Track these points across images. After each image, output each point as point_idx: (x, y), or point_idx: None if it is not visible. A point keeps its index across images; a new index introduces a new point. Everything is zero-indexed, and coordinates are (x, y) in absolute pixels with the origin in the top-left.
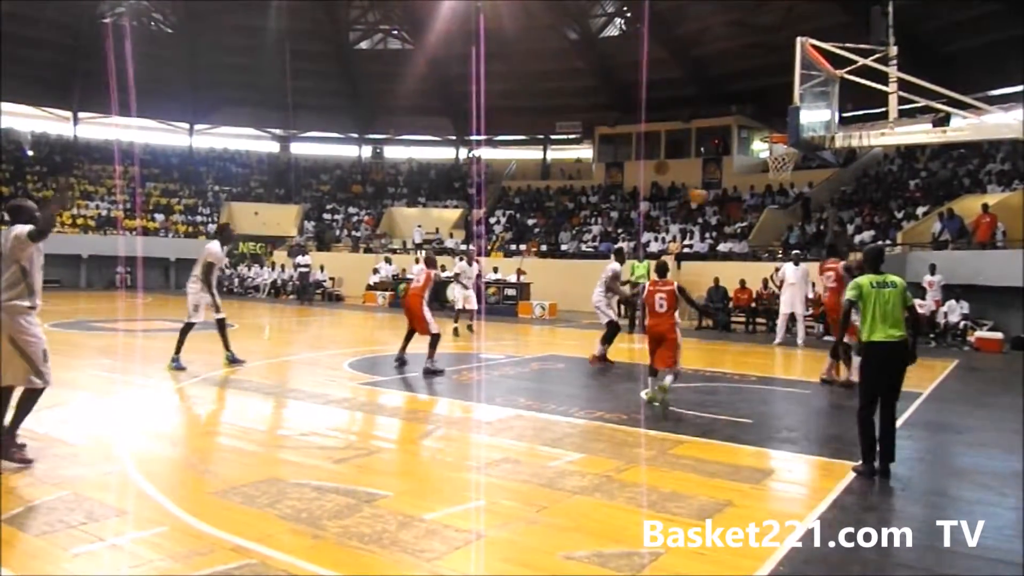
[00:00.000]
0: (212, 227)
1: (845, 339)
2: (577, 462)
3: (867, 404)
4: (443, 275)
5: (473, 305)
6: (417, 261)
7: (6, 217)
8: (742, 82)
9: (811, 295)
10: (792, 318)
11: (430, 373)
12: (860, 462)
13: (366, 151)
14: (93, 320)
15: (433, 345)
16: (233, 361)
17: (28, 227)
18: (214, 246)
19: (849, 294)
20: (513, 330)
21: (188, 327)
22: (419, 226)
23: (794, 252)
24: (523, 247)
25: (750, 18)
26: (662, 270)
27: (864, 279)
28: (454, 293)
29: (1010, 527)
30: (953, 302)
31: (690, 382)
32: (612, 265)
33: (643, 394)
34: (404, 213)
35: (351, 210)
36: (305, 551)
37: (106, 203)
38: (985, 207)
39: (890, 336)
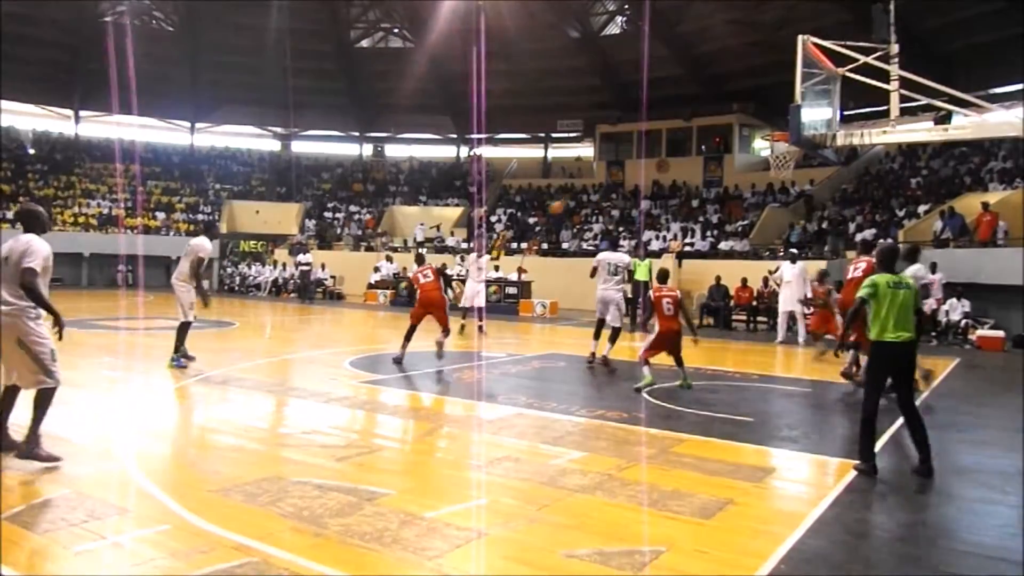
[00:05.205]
0: None
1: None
2: (578, 460)
3: (872, 402)
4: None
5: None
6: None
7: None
8: (743, 80)
9: (809, 293)
10: (792, 316)
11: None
12: (860, 461)
13: (367, 149)
14: (94, 318)
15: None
16: (180, 364)
17: (37, 259)
18: (204, 241)
19: (863, 292)
20: (514, 328)
21: (186, 325)
22: (422, 224)
23: (791, 251)
24: (524, 245)
25: (751, 16)
26: (663, 277)
27: (880, 278)
28: None
29: (1011, 525)
30: (954, 300)
31: (691, 380)
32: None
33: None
34: (405, 212)
35: (352, 208)
36: (307, 549)
37: (107, 201)
38: (985, 205)
39: (900, 337)
